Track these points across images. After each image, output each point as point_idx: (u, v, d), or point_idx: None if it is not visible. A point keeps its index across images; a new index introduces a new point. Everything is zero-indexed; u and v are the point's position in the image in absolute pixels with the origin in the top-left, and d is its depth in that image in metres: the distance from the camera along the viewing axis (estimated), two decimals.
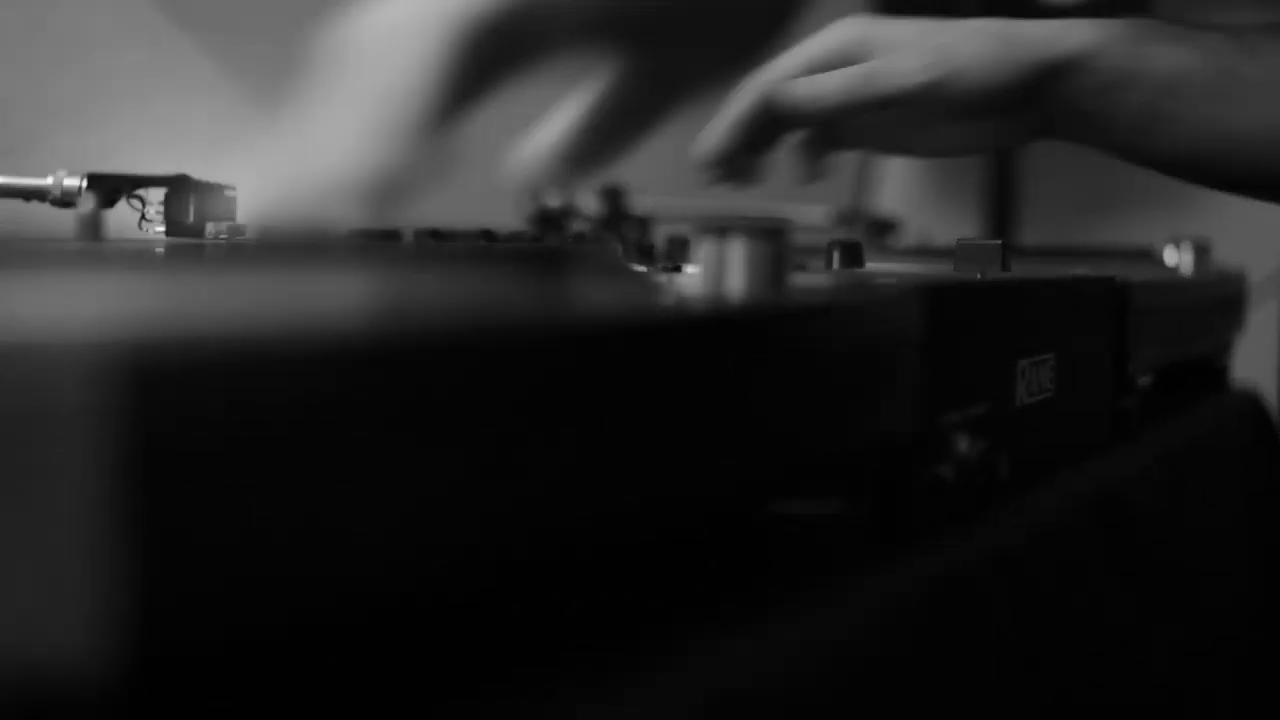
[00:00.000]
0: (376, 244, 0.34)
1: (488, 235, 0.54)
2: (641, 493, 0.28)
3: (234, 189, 0.50)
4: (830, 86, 0.53)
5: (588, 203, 0.84)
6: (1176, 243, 0.81)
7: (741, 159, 0.55)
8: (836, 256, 0.57)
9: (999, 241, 0.54)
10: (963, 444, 0.42)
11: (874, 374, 0.37)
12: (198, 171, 0.52)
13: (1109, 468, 0.55)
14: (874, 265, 0.60)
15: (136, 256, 0.27)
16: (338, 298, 0.24)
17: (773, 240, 0.34)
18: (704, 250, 0.34)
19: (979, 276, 0.49)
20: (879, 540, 0.38)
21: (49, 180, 0.48)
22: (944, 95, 0.56)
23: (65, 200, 0.48)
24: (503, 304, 0.27)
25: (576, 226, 0.79)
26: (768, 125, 0.54)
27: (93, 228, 0.39)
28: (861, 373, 0.36)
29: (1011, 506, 0.45)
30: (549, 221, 0.79)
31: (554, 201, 0.79)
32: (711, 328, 0.30)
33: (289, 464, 0.18)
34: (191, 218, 0.48)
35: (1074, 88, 0.57)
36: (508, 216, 0.85)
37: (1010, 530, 0.44)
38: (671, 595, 0.32)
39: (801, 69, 0.54)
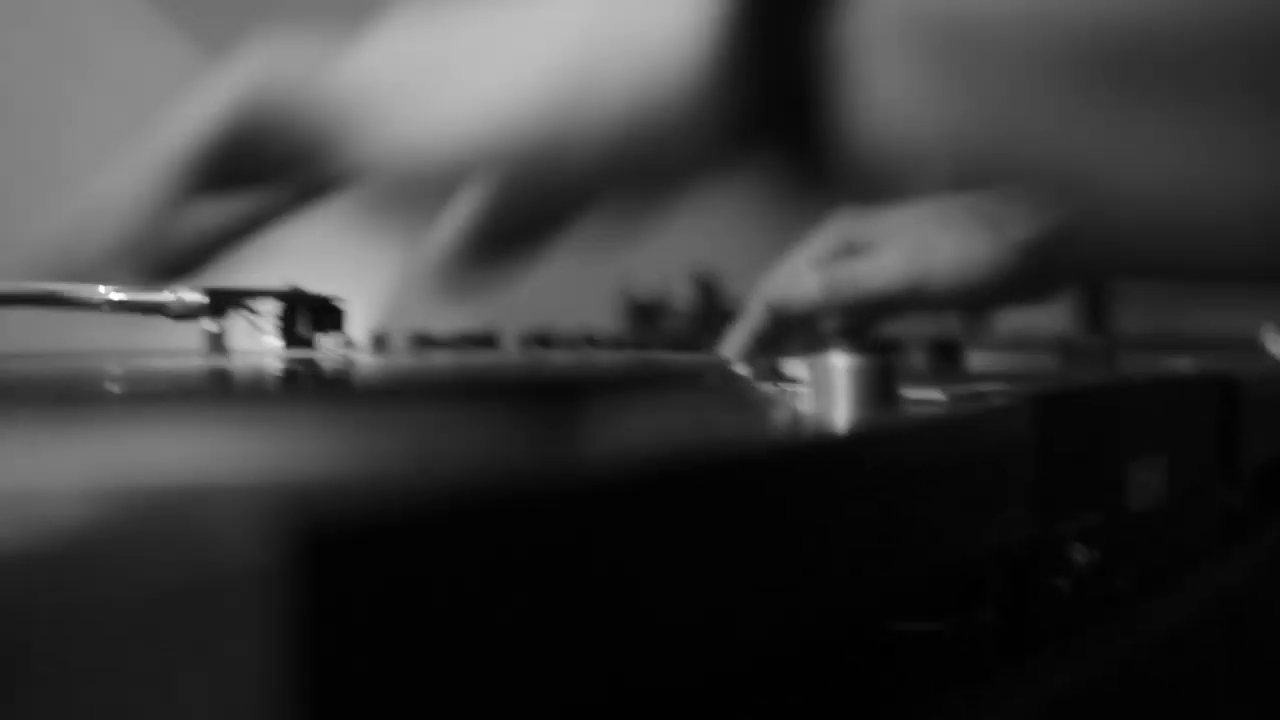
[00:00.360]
0: (509, 379, 0.34)
1: (591, 341, 0.55)
2: (761, 618, 0.28)
3: (344, 301, 0.52)
4: (814, 291, 0.56)
5: (681, 292, 0.85)
6: None
7: (768, 353, 0.57)
8: (935, 356, 0.57)
9: (1104, 340, 0.53)
10: (1079, 554, 0.41)
11: (987, 488, 0.37)
12: (306, 283, 0.53)
13: (1223, 570, 0.54)
14: (974, 359, 0.60)
15: (292, 394, 0.28)
16: (482, 445, 0.24)
17: (882, 359, 0.34)
18: (814, 368, 0.34)
19: (1089, 379, 0.49)
20: (1000, 655, 0.37)
21: (168, 295, 0.50)
22: (929, 291, 0.56)
23: (184, 314, 0.49)
24: (628, 438, 0.27)
25: (671, 320, 0.79)
26: (778, 326, 0.57)
27: (220, 345, 0.40)
28: (975, 487, 0.36)
29: (1129, 615, 0.44)
30: (643, 315, 0.79)
31: (647, 295, 0.80)
32: (828, 452, 0.30)
33: (463, 623, 0.18)
34: (304, 330, 0.50)
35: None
36: (600, 312, 0.86)
37: (1129, 640, 0.43)
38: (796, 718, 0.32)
39: (804, 269, 0.57)
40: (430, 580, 0.18)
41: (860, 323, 0.59)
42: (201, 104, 0.29)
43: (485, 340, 0.65)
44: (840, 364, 0.33)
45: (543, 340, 0.64)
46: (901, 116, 0.25)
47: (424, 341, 0.63)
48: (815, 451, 0.30)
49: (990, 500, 0.37)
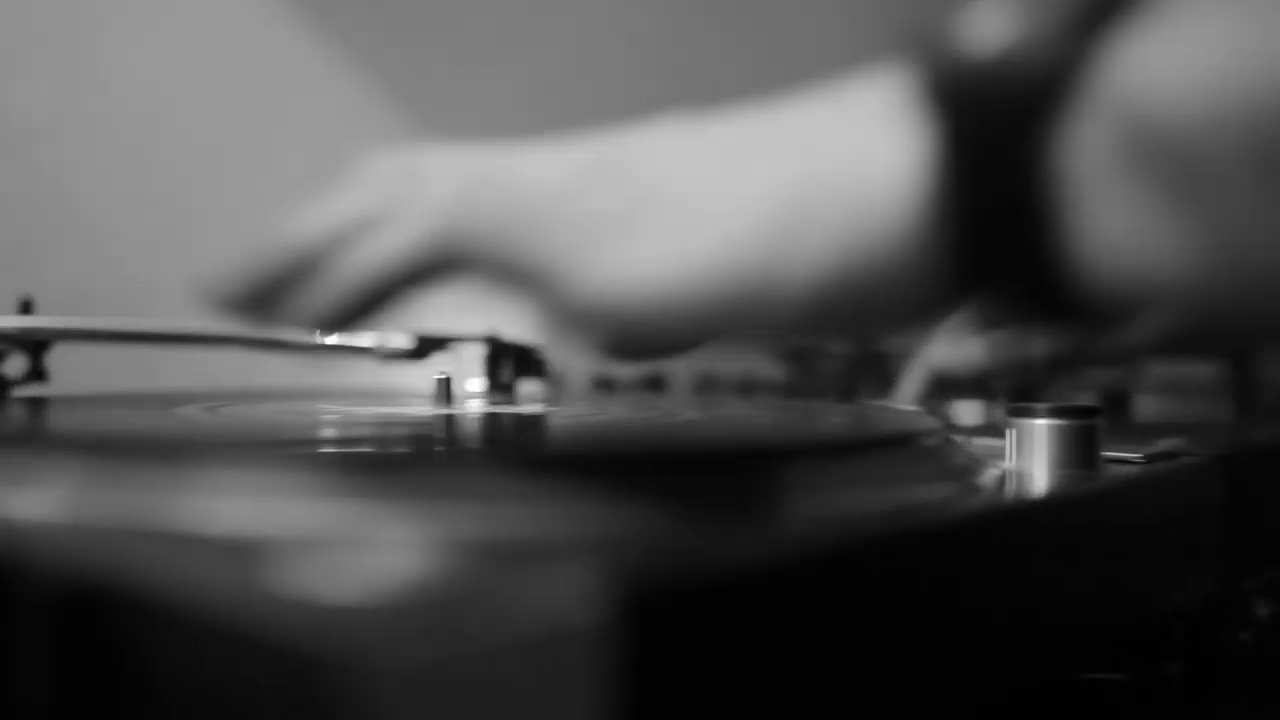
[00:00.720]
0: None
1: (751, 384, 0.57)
2: (965, 667, 0.30)
3: (543, 349, 0.55)
4: (978, 353, 0.57)
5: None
6: None
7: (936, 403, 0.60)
8: (1106, 406, 0.58)
9: (1265, 386, 0.54)
10: (1261, 607, 0.42)
11: (1176, 544, 0.38)
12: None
13: None
14: (1140, 405, 0.61)
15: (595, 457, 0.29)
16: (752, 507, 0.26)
17: (1085, 420, 0.36)
18: (1017, 428, 0.36)
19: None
20: (1185, 704, 0.39)
21: (376, 339, 0.53)
22: (1095, 350, 0.58)
23: (390, 358, 0.52)
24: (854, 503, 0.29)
25: (825, 364, 0.81)
26: (942, 383, 0.59)
27: (448, 391, 0.44)
28: (1165, 543, 0.38)
29: None
30: (798, 358, 0.81)
31: (802, 339, 0.82)
32: (1034, 514, 0.32)
33: (767, 676, 0.21)
34: (505, 376, 0.53)
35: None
36: (757, 354, 0.88)
37: None
38: None
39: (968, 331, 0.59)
40: (742, 635, 0.21)
41: (1027, 381, 0.61)
42: (399, 235, 0.28)
43: (655, 382, 0.67)
44: (1044, 424, 0.35)
45: (708, 383, 0.67)
46: (1131, 244, 0.24)
47: (604, 384, 0.66)
48: (1022, 514, 0.32)
49: (1179, 556, 0.38)
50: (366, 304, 0.28)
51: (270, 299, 0.30)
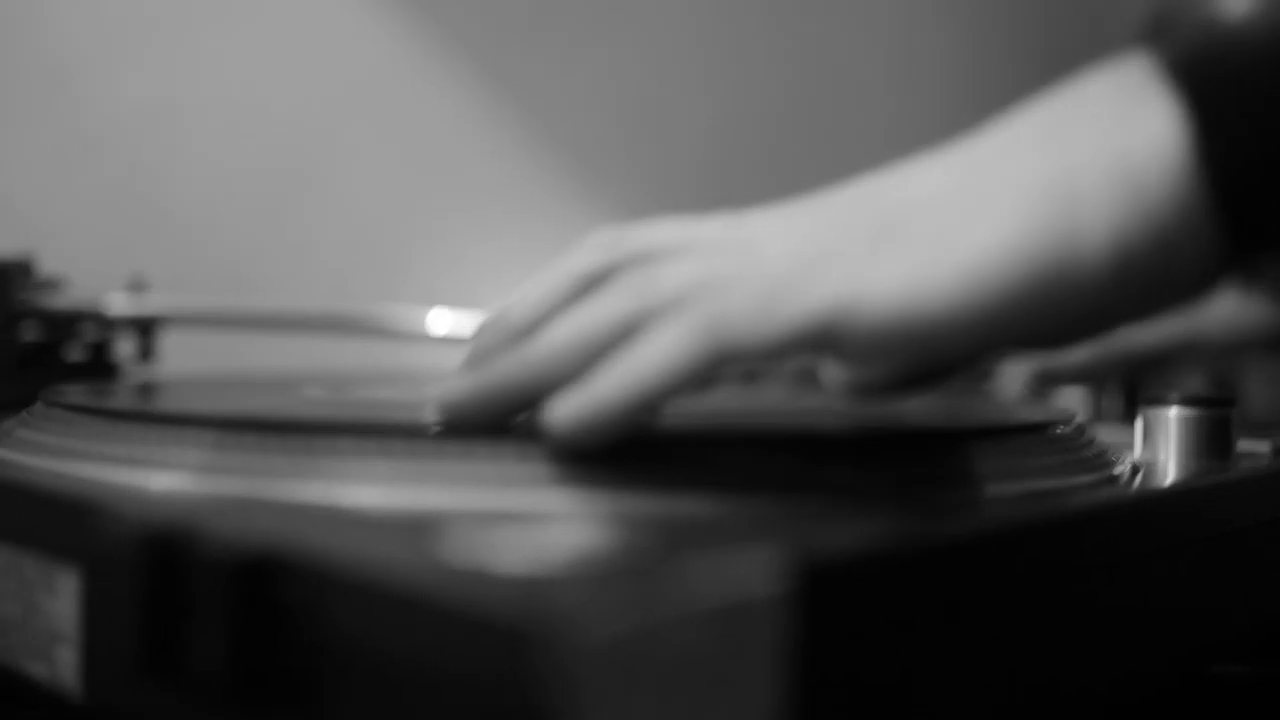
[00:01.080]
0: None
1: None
2: (1096, 661, 0.30)
3: None
4: (1081, 355, 0.57)
5: None
6: None
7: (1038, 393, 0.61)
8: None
9: None
10: None
11: None
12: None
13: None
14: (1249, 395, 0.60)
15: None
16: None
17: (1219, 411, 0.35)
18: (1147, 418, 0.36)
19: None
20: None
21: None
22: (1201, 345, 0.57)
23: None
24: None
25: None
26: (1045, 377, 0.59)
27: None
28: None
29: None
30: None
31: None
32: (1174, 506, 0.32)
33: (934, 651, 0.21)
34: None
35: None
36: None
37: None
38: None
39: None
40: (909, 611, 0.21)
41: (1131, 373, 0.61)
42: (664, 347, 0.27)
43: (749, 374, 0.67)
44: (1176, 414, 0.35)
45: (807, 376, 0.67)
46: None
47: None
48: (1163, 505, 0.31)
49: None
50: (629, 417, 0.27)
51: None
